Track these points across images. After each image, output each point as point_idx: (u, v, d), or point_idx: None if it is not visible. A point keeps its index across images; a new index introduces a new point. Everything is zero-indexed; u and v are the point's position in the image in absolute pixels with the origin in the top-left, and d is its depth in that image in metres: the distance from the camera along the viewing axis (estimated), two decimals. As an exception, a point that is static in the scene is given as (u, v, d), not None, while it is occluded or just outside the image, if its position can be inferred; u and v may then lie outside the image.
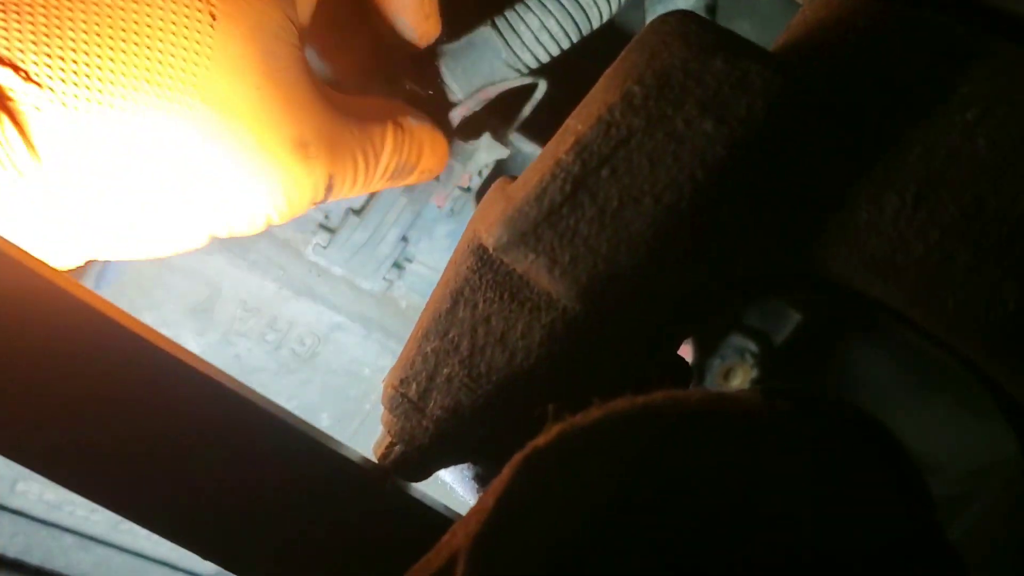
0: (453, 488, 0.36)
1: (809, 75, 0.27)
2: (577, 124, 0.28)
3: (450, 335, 0.31)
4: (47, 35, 0.34)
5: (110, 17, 0.35)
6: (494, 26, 0.52)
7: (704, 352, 0.77)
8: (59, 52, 0.34)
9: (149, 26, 0.36)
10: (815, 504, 0.22)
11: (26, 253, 0.28)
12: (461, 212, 0.57)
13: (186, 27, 0.36)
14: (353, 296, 0.57)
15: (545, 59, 0.52)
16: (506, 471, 0.24)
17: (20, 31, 0.34)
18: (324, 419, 0.60)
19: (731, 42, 0.27)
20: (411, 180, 0.50)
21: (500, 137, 0.56)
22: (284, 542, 0.31)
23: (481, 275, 0.31)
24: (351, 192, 0.45)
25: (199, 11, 0.36)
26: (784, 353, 0.77)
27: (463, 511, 0.34)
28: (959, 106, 0.25)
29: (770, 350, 0.78)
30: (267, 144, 0.38)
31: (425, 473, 0.34)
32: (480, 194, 0.58)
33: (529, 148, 0.60)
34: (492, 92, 0.53)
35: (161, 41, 0.36)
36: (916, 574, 0.23)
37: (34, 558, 0.64)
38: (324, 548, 0.32)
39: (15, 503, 0.59)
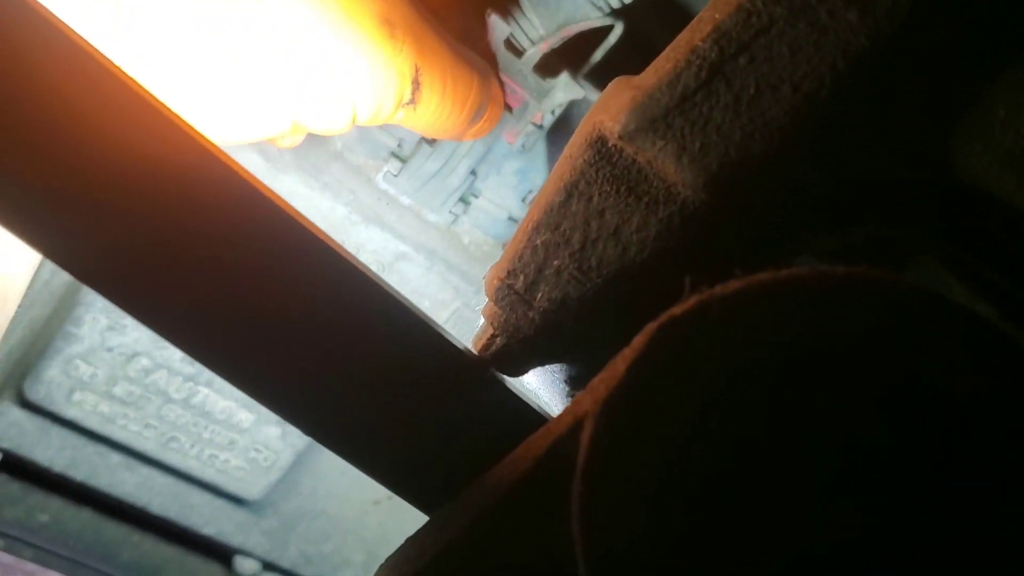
0: (539, 392, 0.37)
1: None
2: (715, 13, 0.28)
3: (562, 228, 0.32)
4: None
5: None
6: None
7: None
8: None
9: None
10: (964, 382, 0.22)
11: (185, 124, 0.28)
12: (532, 149, 0.57)
13: None
14: (419, 227, 0.57)
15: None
16: (639, 339, 0.24)
17: None
18: (380, 350, 0.60)
19: (879, -64, 0.27)
20: (471, 133, 0.50)
21: (575, 78, 0.56)
22: (382, 417, 0.31)
23: (598, 168, 0.31)
24: (438, 110, 0.45)
25: None
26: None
27: (553, 414, 0.34)
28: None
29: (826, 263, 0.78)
30: (353, 15, 0.38)
31: (524, 367, 0.34)
32: (552, 133, 0.59)
33: (593, 96, 0.60)
34: (573, 30, 0.53)
35: None
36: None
37: (79, 474, 0.65)
38: (419, 428, 0.32)
39: (70, 412, 0.60)
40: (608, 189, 0.31)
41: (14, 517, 0.68)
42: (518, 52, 0.54)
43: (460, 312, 0.60)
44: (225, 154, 0.29)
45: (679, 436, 0.23)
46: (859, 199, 0.31)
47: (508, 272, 0.33)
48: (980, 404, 0.22)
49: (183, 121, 0.28)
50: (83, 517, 0.70)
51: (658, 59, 0.30)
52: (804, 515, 0.23)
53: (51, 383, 0.58)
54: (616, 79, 0.32)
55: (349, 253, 0.31)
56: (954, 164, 0.27)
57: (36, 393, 0.58)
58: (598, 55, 0.55)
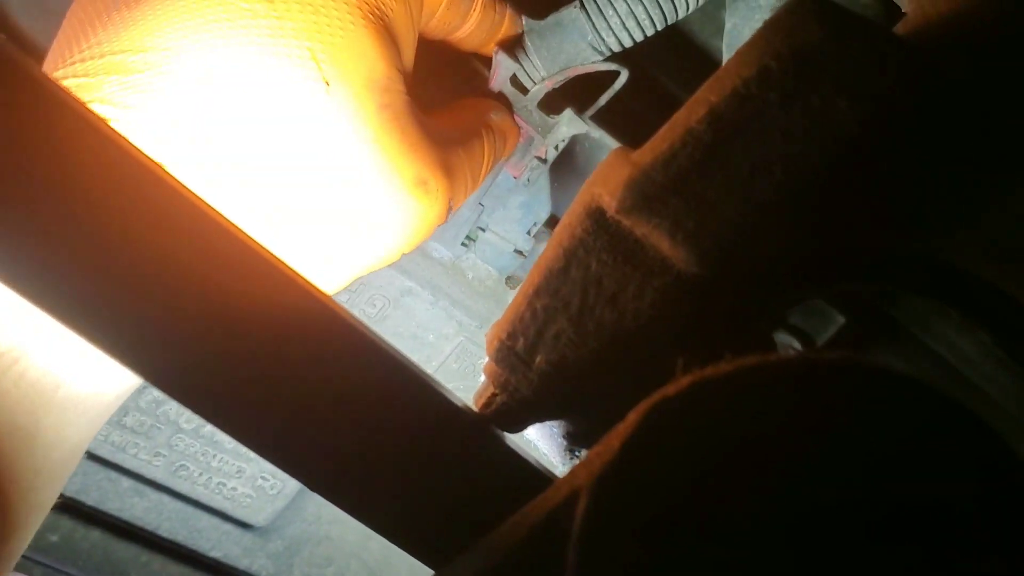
0: (537, 445, 0.38)
1: (943, 60, 0.28)
2: (709, 95, 0.29)
3: (561, 293, 0.33)
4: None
5: (219, 79, 0.38)
6: (583, 8, 0.53)
7: (749, 347, 0.79)
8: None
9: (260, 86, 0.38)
10: (936, 466, 0.23)
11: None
12: (536, 183, 0.58)
13: (299, 94, 0.38)
14: (424, 263, 0.58)
15: (628, 44, 0.53)
16: (632, 415, 0.25)
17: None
18: (385, 382, 0.61)
19: (867, 25, 0.28)
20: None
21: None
22: (385, 474, 0.33)
23: (596, 237, 0.32)
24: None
25: (313, 80, 0.38)
26: (824, 355, 0.78)
27: (549, 467, 0.36)
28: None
29: (812, 349, 0.79)
30: (394, 188, 0.41)
31: (522, 425, 0.35)
32: (555, 167, 0.60)
33: (596, 133, 0.61)
34: (577, 71, 0.54)
35: (280, 119, 0.39)
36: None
37: (89, 499, 0.66)
38: (422, 484, 0.33)
39: (81, 441, 0.61)
40: (606, 258, 0.32)
41: (25, 537, 0.70)
42: (524, 89, 0.55)
43: (464, 346, 0.61)
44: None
45: (670, 512, 0.24)
46: (849, 264, 0.32)
47: (508, 334, 0.34)
48: (960, 502, 0.23)
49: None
50: (93, 537, 0.71)
51: (655, 138, 0.31)
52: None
53: (63, 413, 0.59)
54: (613, 151, 0.33)
55: (353, 316, 0.32)
56: (939, 248, 0.28)
57: (49, 423, 0.59)
58: (603, 100, 0.57)
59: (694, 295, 0.30)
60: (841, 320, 0.78)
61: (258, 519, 0.67)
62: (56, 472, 0.42)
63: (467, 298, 0.60)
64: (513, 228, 0.59)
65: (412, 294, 0.59)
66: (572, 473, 0.27)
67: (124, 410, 0.60)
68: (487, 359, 0.35)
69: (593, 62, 0.54)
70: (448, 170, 0.45)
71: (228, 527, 0.68)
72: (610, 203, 0.31)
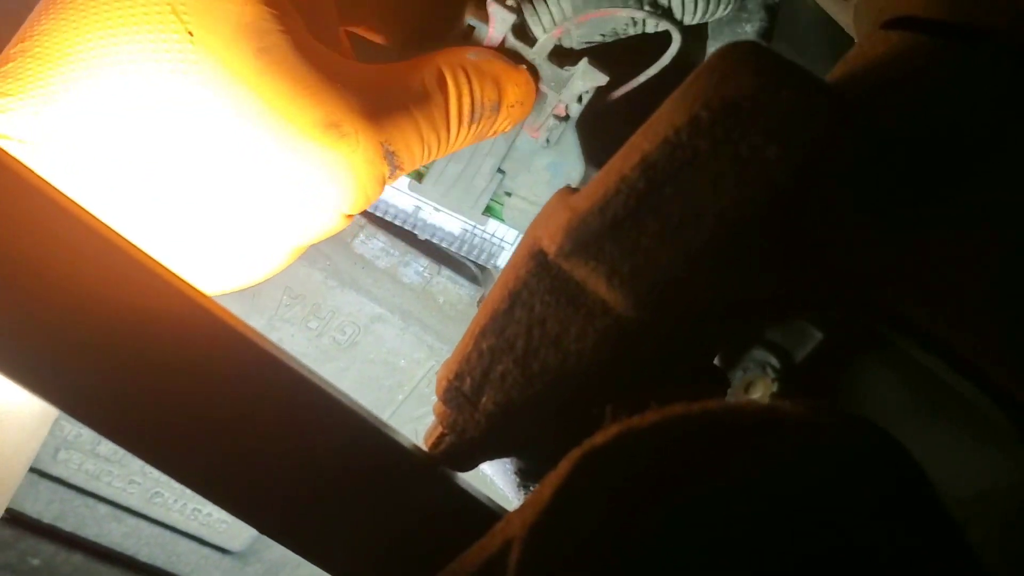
0: (493, 480, 0.38)
1: (872, 110, 0.28)
2: (643, 142, 0.30)
3: (506, 334, 0.33)
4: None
5: (84, 60, 0.36)
6: None
7: (727, 364, 0.79)
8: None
9: (125, 58, 0.36)
10: (857, 518, 0.24)
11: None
12: (559, 143, 0.54)
13: (165, 51, 0.36)
14: (394, 289, 0.58)
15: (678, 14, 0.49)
16: (563, 465, 0.26)
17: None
18: (358, 407, 0.62)
19: (798, 74, 0.28)
20: (504, 121, 0.48)
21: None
22: (334, 516, 0.33)
23: (539, 279, 0.32)
24: (436, 151, 0.45)
25: (176, 35, 0.36)
26: (803, 369, 0.78)
27: (503, 503, 0.36)
28: (1013, 150, 0.26)
29: (790, 366, 0.79)
30: (299, 130, 0.38)
31: (472, 464, 0.35)
32: (581, 123, 0.55)
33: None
34: (601, 15, 0.48)
35: (138, 72, 0.36)
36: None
37: (67, 525, 0.67)
38: (372, 525, 0.33)
39: (56, 471, 0.61)
40: (549, 299, 0.32)
41: (6, 562, 0.70)
42: (530, 41, 0.49)
43: (435, 370, 0.62)
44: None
45: (601, 563, 0.25)
46: (786, 306, 0.32)
47: (456, 374, 0.34)
48: (888, 556, 0.23)
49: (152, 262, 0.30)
50: (74, 561, 0.72)
51: (592, 181, 0.31)
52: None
53: (37, 443, 0.59)
54: (557, 192, 0.34)
55: (297, 361, 0.33)
56: (873, 291, 0.29)
57: (22, 452, 0.60)
58: (652, 71, 0.51)
59: (632, 337, 0.31)
60: (819, 336, 0.79)
61: (235, 544, 0.67)
62: None
63: (438, 322, 0.60)
64: (543, 190, 0.54)
65: (382, 320, 0.59)
66: (507, 520, 0.28)
67: (97, 438, 0.60)
68: (436, 399, 0.35)
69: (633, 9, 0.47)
70: (372, 111, 0.40)
71: (206, 551, 0.68)
72: (550, 247, 0.31)
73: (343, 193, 0.40)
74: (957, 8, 0.29)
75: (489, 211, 0.54)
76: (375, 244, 0.56)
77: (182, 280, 0.30)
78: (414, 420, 0.63)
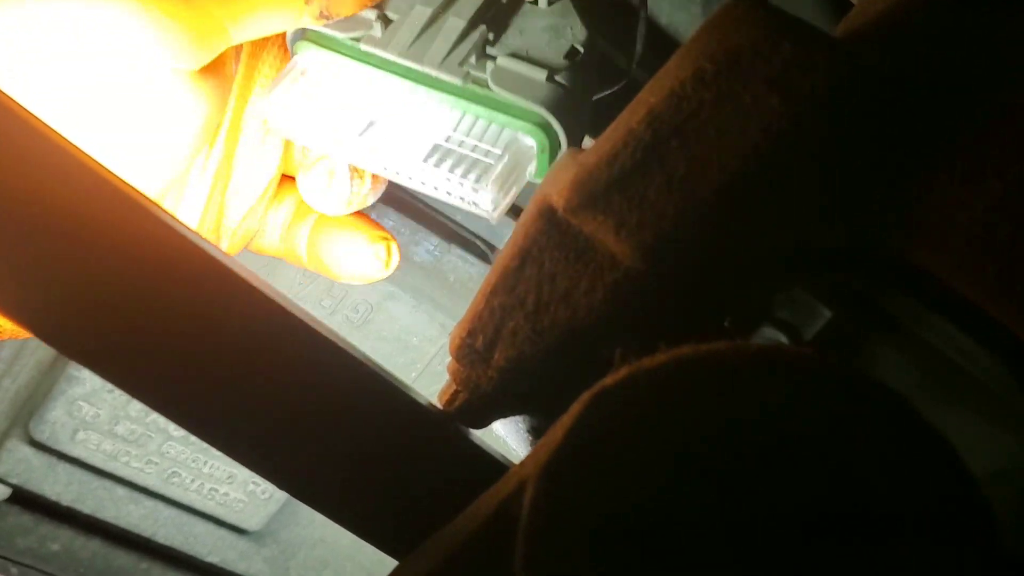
0: (506, 439, 0.39)
1: (870, 58, 0.29)
2: (649, 96, 0.30)
3: (517, 291, 0.34)
4: None
5: None
6: None
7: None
8: None
9: None
10: (869, 457, 0.24)
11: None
12: (561, 3, 0.46)
13: None
14: (406, 267, 0.59)
15: None
16: (575, 407, 0.27)
17: None
18: (371, 385, 0.62)
19: (798, 26, 0.29)
20: None
21: None
22: (352, 472, 0.34)
23: (548, 236, 0.33)
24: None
25: None
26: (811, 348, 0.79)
27: (517, 461, 0.37)
28: (1007, 91, 0.27)
29: (800, 344, 0.80)
30: None
31: (486, 421, 0.36)
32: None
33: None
34: None
35: None
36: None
37: (86, 507, 0.67)
38: (388, 481, 0.34)
39: (75, 451, 0.62)
40: (558, 256, 0.33)
41: (26, 547, 0.71)
42: None
43: (447, 348, 0.62)
44: (193, 232, 0.31)
45: (613, 498, 0.25)
46: (800, 260, 0.33)
47: (468, 332, 0.35)
48: (890, 489, 0.24)
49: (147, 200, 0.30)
50: (92, 546, 0.73)
51: (601, 137, 0.32)
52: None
53: (56, 423, 0.61)
54: (565, 152, 0.34)
55: (317, 321, 0.33)
56: (874, 236, 0.29)
57: (41, 433, 0.61)
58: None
59: (642, 290, 0.32)
60: (827, 314, 0.79)
61: (252, 524, 0.68)
62: None
63: (449, 300, 0.61)
64: (543, 52, 0.45)
65: (394, 298, 0.60)
66: (521, 464, 0.29)
67: (115, 419, 0.61)
68: (450, 358, 0.36)
69: None
70: None
71: (223, 532, 0.69)
72: (559, 202, 0.32)
73: (162, 41, 0.38)
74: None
75: (471, 97, 0.44)
76: (385, 223, 0.57)
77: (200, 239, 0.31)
78: (426, 397, 0.64)
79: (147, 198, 0.31)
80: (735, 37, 0.29)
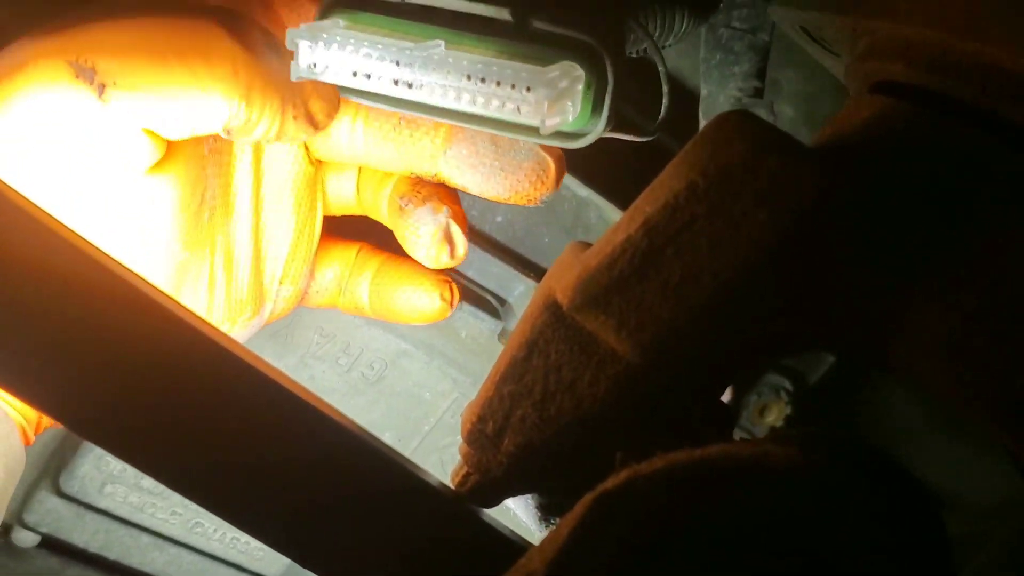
0: (516, 514, 0.41)
1: (853, 175, 0.30)
2: (646, 206, 0.32)
3: (525, 380, 0.36)
4: None
5: None
6: None
7: (742, 389, 0.81)
8: None
9: None
10: (846, 553, 0.26)
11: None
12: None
13: None
14: (419, 325, 0.61)
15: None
16: (578, 508, 0.29)
17: None
18: (387, 437, 0.65)
19: (784, 141, 0.31)
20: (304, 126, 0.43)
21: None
22: (369, 550, 0.36)
23: (554, 329, 0.35)
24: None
25: None
26: (816, 392, 0.80)
27: (526, 535, 0.38)
28: (982, 214, 0.29)
29: (804, 389, 0.81)
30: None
31: (496, 501, 0.38)
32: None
33: (584, 192, 0.64)
34: None
35: None
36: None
37: (112, 554, 0.70)
38: (403, 559, 0.36)
39: (102, 503, 0.65)
40: (563, 348, 0.35)
41: (54, 589, 0.73)
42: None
43: (459, 401, 0.64)
44: (214, 329, 0.33)
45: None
46: (782, 349, 0.35)
47: (479, 417, 0.37)
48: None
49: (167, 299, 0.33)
50: (119, 589, 0.75)
51: (601, 240, 0.34)
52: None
53: (84, 478, 0.63)
54: (569, 246, 0.36)
55: (330, 406, 0.35)
56: (856, 336, 0.31)
57: (71, 487, 0.63)
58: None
59: (641, 383, 0.33)
60: (831, 359, 0.81)
61: (271, 571, 0.70)
62: None
63: (460, 356, 0.63)
64: None
65: (408, 355, 0.62)
66: (528, 557, 0.30)
67: (141, 472, 0.63)
68: (461, 440, 0.38)
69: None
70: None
71: (244, 578, 0.71)
72: (563, 300, 0.34)
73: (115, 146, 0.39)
74: (935, 76, 0.31)
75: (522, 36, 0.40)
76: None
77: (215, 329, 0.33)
78: (440, 449, 0.66)
79: (152, 288, 0.33)
80: (725, 152, 0.31)
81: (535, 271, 0.67)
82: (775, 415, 0.78)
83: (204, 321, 0.34)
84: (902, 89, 0.33)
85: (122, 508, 0.65)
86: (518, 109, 0.39)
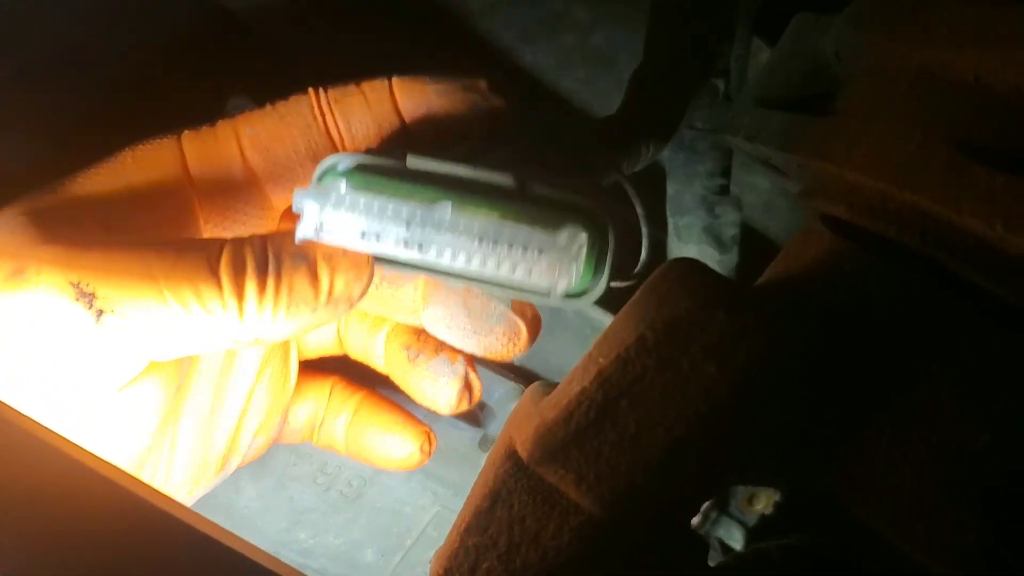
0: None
1: (800, 325, 0.31)
2: (599, 357, 0.32)
3: (489, 531, 0.35)
4: None
5: None
6: None
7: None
8: None
9: None
10: None
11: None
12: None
13: None
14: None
15: None
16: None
17: None
18: (369, 554, 0.63)
19: (730, 293, 0.31)
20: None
21: None
22: None
23: (516, 479, 0.35)
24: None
25: None
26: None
27: None
28: (928, 359, 0.29)
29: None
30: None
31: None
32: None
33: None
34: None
35: None
36: None
37: None
38: None
39: None
40: (526, 499, 0.34)
41: None
42: None
43: (440, 514, 0.64)
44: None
45: None
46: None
47: (446, 570, 0.36)
48: None
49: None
50: None
51: (557, 390, 0.34)
52: None
53: None
54: (528, 390, 0.36)
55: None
56: (810, 483, 0.31)
57: None
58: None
59: (605, 533, 0.33)
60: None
61: None
62: None
63: (440, 468, 0.62)
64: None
65: (386, 472, 0.61)
66: None
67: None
68: (430, 589, 0.37)
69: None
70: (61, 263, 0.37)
71: None
72: (523, 453, 0.34)
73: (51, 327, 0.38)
74: (877, 222, 0.31)
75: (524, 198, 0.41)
76: (375, 397, 0.59)
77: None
78: (423, 563, 0.65)
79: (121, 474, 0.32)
80: (672, 305, 0.31)
81: (514, 372, 0.66)
82: (764, 503, 0.77)
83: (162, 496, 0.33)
84: (847, 227, 0.33)
85: None
86: (529, 272, 0.39)
